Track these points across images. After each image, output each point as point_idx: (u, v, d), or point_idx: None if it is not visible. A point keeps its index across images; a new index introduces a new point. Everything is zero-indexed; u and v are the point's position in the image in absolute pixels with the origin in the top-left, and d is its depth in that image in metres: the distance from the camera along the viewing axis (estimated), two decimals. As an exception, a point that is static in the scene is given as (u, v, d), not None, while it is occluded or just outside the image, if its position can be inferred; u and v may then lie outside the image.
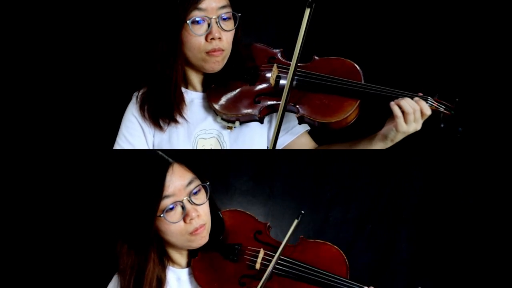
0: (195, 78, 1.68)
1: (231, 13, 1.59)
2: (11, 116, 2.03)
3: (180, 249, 1.51)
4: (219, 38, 1.56)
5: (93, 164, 2.00)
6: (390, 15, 2.07)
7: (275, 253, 1.46)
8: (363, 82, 1.61)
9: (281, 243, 1.46)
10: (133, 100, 1.70)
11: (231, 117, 1.64)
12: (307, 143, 1.74)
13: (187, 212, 1.40)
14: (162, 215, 1.38)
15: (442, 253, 2.04)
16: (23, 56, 2.03)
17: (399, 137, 1.57)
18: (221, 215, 1.55)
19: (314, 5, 1.48)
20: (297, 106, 1.60)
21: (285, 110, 1.57)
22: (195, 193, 1.42)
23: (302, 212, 1.48)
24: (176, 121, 1.64)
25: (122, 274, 1.46)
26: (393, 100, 1.54)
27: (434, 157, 2.06)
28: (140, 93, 1.68)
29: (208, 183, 1.45)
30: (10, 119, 2.03)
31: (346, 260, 1.47)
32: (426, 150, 1.99)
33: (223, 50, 1.59)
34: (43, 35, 2.03)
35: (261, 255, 1.49)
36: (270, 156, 2.07)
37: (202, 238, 1.44)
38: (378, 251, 2.07)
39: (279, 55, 1.69)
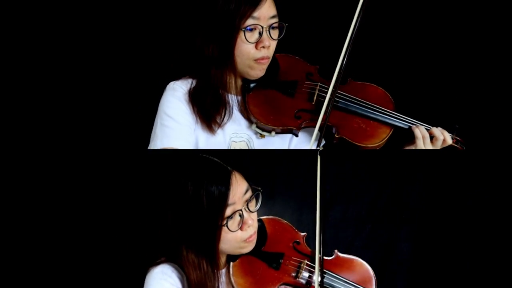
0: (233, 82, 1.69)
1: (279, 23, 1.62)
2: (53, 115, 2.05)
3: (224, 253, 1.52)
4: (268, 46, 1.60)
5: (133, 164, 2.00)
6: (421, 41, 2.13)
7: (313, 263, 1.52)
8: (394, 110, 1.69)
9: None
10: (174, 89, 1.67)
11: (268, 128, 1.66)
12: None
13: (244, 220, 1.43)
14: (225, 224, 1.40)
15: (442, 253, 2.04)
16: (42, 53, 2.05)
17: None
18: (263, 222, 1.57)
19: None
20: (336, 127, 1.65)
21: (324, 129, 1.60)
22: (250, 201, 1.45)
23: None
24: (222, 126, 1.66)
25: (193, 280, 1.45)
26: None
27: (434, 158, 2.06)
28: (187, 86, 1.67)
29: (261, 190, 1.48)
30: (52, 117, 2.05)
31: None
32: (426, 150, 1.99)
33: (269, 58, 1.63)
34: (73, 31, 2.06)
35: (304, 265, 1.53)
36: (270, 156, 2.06)
37: (252, 245, 1.48)
38: (378, 251, 2.08)
39: (316, 71, 1.72)
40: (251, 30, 1.58)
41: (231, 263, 1.52)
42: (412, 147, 1.66)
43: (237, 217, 1.42)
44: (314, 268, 1.50)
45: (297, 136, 1.69)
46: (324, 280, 1.51)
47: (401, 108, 1.71)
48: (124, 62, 2.09)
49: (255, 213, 1.47)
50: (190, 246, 1.44)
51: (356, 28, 1.54)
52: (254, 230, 1.46)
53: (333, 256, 1.58)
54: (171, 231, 1.46)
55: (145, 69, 2.07)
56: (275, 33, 1.62)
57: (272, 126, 1.66)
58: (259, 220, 1.55)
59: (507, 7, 2.05)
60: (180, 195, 1.42)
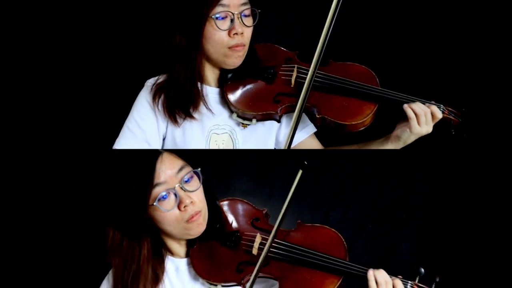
0: (211, 74, 1.68)
1: (251, 9, 1.61)
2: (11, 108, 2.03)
3: (178, 239, 1.52)
4: (242, 33, 1.58)
5: (86, 158, 2.01)
6: (401, 21, 2.08)
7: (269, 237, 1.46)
8: (379, 87, 1.65)
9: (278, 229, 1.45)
10: (147, 87, 1.68)
11: (248, 115, 1.65)
12: (315, 144, 1.77)
13: (180, 199, 1.41)
14: (155, 203, 1.40)
15: (443, 253, 2.04)
16: (26, 50, 2.03)
17: (412, 139, 1.63)
18: (218, 203, 1.56)
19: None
20: (317, 107, 1.63)
21: (303, 110, 1.59)
22: (187, 181, 1.44)
23: (306, 162, 1.46)
24: (192, 117, 1.64)
25: (117, 266, 1.47)
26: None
27: (435, 157, 2.05)
28: (156, 83, 1.67)
29: (199, 169, 1.46)
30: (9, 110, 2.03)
31: (345, 243, 1.48)
32: (427, 150, 1.98)
33: (244, 45, 1.61)
34: (48, 29, 2.03)
35: (257, 240, 1.50)
36: (270, 156, 2.06)
37: (199, 226, 1.46)
38: (378, 251, 2.07)
39: (295, 56, 1.71)
40: (222, 18, 1.57)
41: (190, 249, 1.52)
42: (406, 127, 1.60)
43: (171, 197, 1.41)
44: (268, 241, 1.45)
45: (278, 121, 1.67)
46: (279, 251, 1.46)
47: (386, 84, 1.66)
48: (105, 60, 2.06)
49: (197, 193, 1.45)
50: (117, 227, 1.46)
51: (337, 8, 1.49)
52: (195, 210, 1.43)
53: (294, 226, 1.54)
54: (104, 215, 1.48)
55: (125, 66, 2.04)
56: (248, 20, 1.60)
57: (251, 112, 1.64)
58: (213, 201, 1.54)
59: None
60: (112, 180, 1.45)
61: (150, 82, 1.68)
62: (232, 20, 1.57)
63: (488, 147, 2.00)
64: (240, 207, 1.59)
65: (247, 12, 1.60)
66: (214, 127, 1.67)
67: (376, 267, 1.53)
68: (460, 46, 2.05)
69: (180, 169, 1.43)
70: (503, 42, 2.01)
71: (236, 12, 1.57)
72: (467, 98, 1.97)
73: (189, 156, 1.48)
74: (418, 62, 2.06)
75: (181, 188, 1.42)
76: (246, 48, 1.62)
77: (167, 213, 1.41)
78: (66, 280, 2.04)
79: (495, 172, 2.02)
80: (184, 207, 1.42)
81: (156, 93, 1.65)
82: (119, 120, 1.69)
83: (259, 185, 2.09)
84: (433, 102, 1.62)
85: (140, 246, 1.46)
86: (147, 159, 1.41)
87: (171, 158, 1.44)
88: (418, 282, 1.46)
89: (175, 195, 1.41)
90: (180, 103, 1.63)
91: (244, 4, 1.59)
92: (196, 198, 1.44)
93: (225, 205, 1.59)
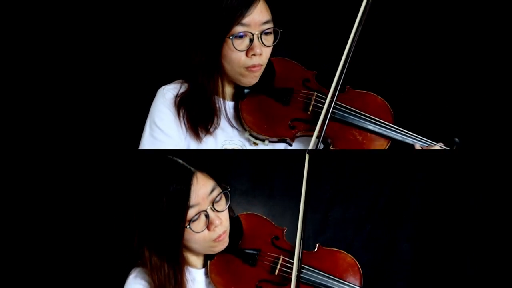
0: (227, 88, 1.65)
1: (272, 29, 1.55)
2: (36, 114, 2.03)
3: (198, 253, 1.52)
4: (260, 54, 1.54)
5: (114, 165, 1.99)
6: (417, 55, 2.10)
7: (293, 259, 1.49)
8: (393, 122, 1.64)
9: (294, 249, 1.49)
10: (164, 95, 1.63)
11: (261, 137, 1.63)
12: None
13: (211, 221, 1.42)
14: (188, 226, 1.39)
15: (442, 253, 2.04)
16: (35, 55, 2.03)
17: None
18: (239, 219, 1.57)
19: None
20: (332, 138, 1.62)
21: (320, 140, 1.58)
22: (217, 201, 1.44)
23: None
24: (211, 133, 1.62)
25: (158, 282, 1.45)
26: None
27: (435, 157, 2.05)
28: (176, 91, 1.63)
29: (229, 189, 1.47)
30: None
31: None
32: (426, 150, 1.99)
33: (262, 65, 1.57)
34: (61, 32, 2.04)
35: (280, 261, 1.52)
36: (270, 156, 2.06)
37: (224, 244, 1.47)
38: (378, 251, 2.07)
39: (313, 77, 1.67)
40: (240, 37, 1.51)
41: (209, 262, 1.53)
42: None
43: (202, 218, 1.42)
44: (292, 263, 1.48)
45: (291, 146, 1.65)
46: (303, 275, 1.49)
47: (400, 119, 1.67)
48: (117, 64, 2.05)
49: (225, 213, 1.46)
50: (152, 247, 1.44)
51: (357, 33, 1.51)
52: (223, 230, 1.45)
53: (315, 250, 1.56)
54: (136, 233, 1.47)
55: (137, 71, 2.03)
56: (268, 40, 1.54)
57: (265, 136, 1.62)
58: (236, 216, 1.56)
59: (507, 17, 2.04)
60: (142, 196, 1.43)
61: (169, 91, 1.64)
62: (251, 40, 1.52)
63: (488, 147, 2.00)
64: (259, 223, 1.60)
65: (268, 31, 1.54)
66: (226, 141, 1.65)
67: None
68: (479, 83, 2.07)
69: (212, 190, 1.43)
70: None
71: (256, 32, 1.51)
72: (463, 103, 2.04)
73: (218, 174, 1.48)
74: (436, 96, 2.09)
75: (212, 209, 1.42)
76: (264, 67, 1.58)
77: (197, 234, 1.42)
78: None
79: (495, 172, 2.02)
80: (214, 227, 1.43)
81: (181, 106, 1.61)
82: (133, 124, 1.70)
83: (259, 185, 2.09)
84: (441, 143, 1.63)
85: (181, 270, 1.47)
86: (182, 181, 1.39)
87: (203, 179, 1.43)
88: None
89: (206, 216, 1.42)
90: (203, 119, 1.60)
91: (266, 23, 1.53)
92: (224, 218, 1.45)
93: (244, 219, 1.59)
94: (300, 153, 2.01)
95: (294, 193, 2.07)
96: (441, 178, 2.07)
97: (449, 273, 2.04)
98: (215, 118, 1.61)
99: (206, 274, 1.53)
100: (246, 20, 1.50)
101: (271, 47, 1.57)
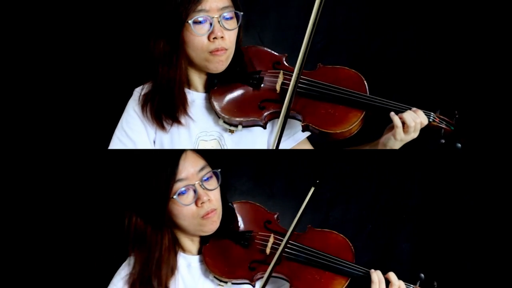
0: (198, 79, 1.67)
1: (233, 12, 1.57)
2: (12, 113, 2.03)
3: (192, 235, 1.56)
4: (222, 37, 1.55)
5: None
6: (394, 26, 2.10)
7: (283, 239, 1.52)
8: (368, 93, 1.60)
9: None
10: (135, 96, 1.68)
11: (233, 121, 1.63)
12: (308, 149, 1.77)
13: (198, 196, 1.47)
14: (175, 197, 1.46)
15: (442, 253, 2.05)
16: (21, 54, 2.02)
17: (398, 145, 1.59)
18: (231, 205, 1.61)
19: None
20: (302, 114, 1.59)
21: (288, 117, 1.58)
22: (207, 180, 1.50)
23: (318, 181, 1.51)
24: (179, 122, 1.64)
25: (141, 252, 1.53)
26: (393, 111, 1.56)
27: (434, 157, 2.06)
28: (142, 91, 1.67)
29: (219, 170, 1.52)
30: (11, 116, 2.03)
31: (352, 247, 1.54)
32: (426, 150, 1.99)
33: (226, 49, 1.57)
34: (42, 33, 2.03)
35: (271, 240, 1.55)
36: (270, 156, 2.07)
37: (213, 223, 1.51)
38: (378, 251, 2.08)
39: (284, 60, 1.67)
40: (201, 23, 1.54)
41: (203, 246, 1.56)
42: (391, 135, 1.55)
43: (191, 193, 1.47)
44: (282, 242, 1.50)
45: (264, 128, 1.63)
46: (294, 251, 1.52)
47: (376, 88, 1.61)
48: (94, 66, 2.05)
49: (215, 192, 1.51)
50: (140, 215, 1.51)
51: (320, 9, 1.46)
52: (211, 207, 1.49)
53: (305, 230, 1.59)
54: (127, 205, 1.53)
55: (114, 73, 2.04)
56: (229, 23, 1.56)
57: (236, 118, 1.61)
58: (227, 203, 1.59)
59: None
60: (133, 172, 1.52)
61: (137, 91, 1.68)
62: (211, 24, 1.54)
63: (487, 146, 2.00)
64: (252, 209, 1.64)
65: (229, 15, 1.56)
66: (202, 134, 1.66)
67: (376, 266, 1.55)
68: (454, 49, 2.06)
69: (202, 168, 1.49)
70: (499, 47, 2.02)
71: (215, 16, 1.54)
72: (461, 104, 1.96)
73: (211, 158, 1.53)
74: (411, 66, 2.07)
75: (201, 185, 1.48)
76: (229, 52, 1.59)
77: (185, 207, 1.47)
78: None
79: (495, 172, 2.02)
80: (201, 203, 1.47)
81: (144, 103, 1.65)
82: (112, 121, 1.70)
83: (259, 185, 2.10)
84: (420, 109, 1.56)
85: (162, 235, 1.52)
86: (172, 155, 1.48)
87: (194, 157, 1.50)
88: (419, 286, 1.52)
89: (194, 191, 1.48)
90: (166, 109, 1.62)
91: (226, 7, 1.56)
92: (213, 197, 1.50)
93: (238, 206, 1.63)
94: (301, 154, 2.02)
95: (294, 193, 2.10)
96: (441, 178, 2.07)
97: (449, 273, 2.04)
98: (181, 107, 1.63)
99: (201, 260, 1.57)
100: (203, 5, 1.53)
101: (235, 31, 1.59)
